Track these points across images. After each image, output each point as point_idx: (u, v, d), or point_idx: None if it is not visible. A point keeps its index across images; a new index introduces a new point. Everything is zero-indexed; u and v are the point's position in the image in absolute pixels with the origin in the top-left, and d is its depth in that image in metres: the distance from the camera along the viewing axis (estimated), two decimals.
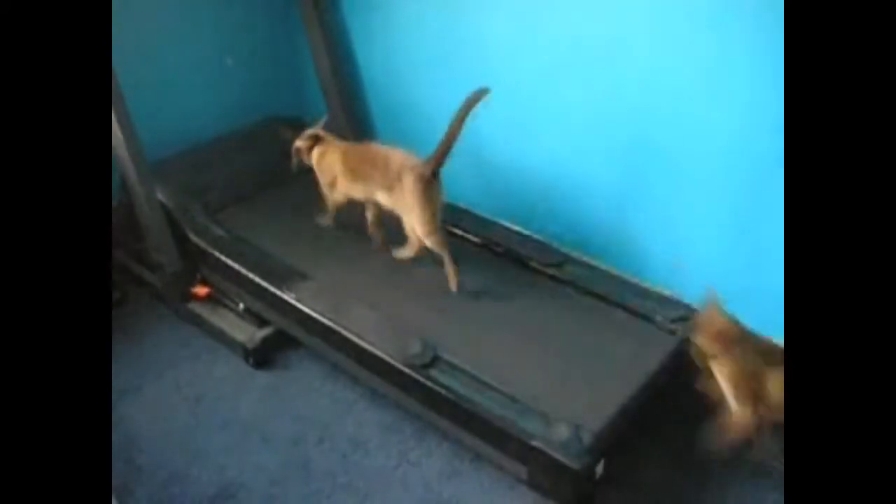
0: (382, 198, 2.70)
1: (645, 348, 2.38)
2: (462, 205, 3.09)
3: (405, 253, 2.74)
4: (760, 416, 2.13)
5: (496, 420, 2.15)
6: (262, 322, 2.76)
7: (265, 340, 2.73)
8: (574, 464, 2.01)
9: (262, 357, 2.72)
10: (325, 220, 2.97)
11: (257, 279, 2.68)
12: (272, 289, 2.63)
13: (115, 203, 2.93)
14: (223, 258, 2.77)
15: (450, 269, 2.64)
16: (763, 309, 2.35)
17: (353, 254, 2.86)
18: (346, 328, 2.46)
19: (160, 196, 2.85)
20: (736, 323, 2.18)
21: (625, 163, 2.70)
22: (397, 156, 2.65)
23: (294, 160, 2.92)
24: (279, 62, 3.59)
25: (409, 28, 3.17)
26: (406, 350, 2.34)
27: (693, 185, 2.55)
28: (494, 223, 3.00)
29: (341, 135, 3.38)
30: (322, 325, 2.50)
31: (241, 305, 2.79)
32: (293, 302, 2.57)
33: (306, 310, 2.54)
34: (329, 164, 2.86)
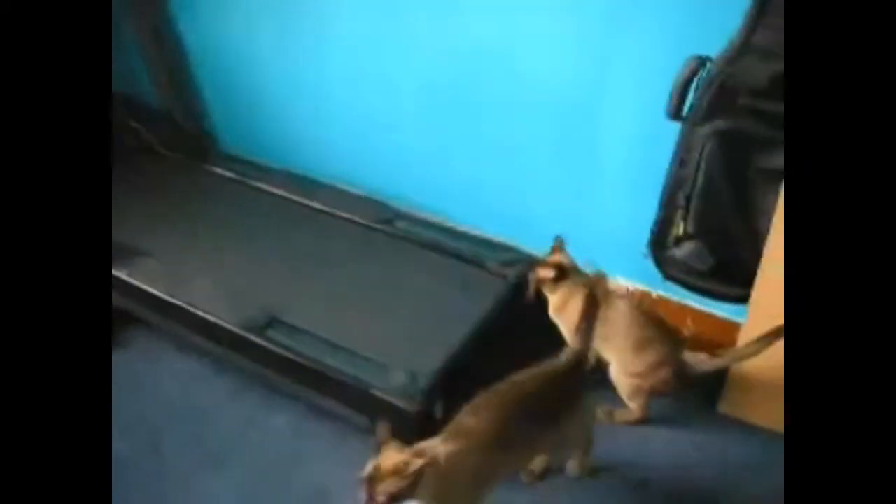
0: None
1: (477, 293, 2.47)
2: (295, 169, 3.12)
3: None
4: None
5: (336, 374, 2.20)
6: None
7: None
8: (411, 407, 2.09)
9: None
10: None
11: None
12: None
13: None
14: None
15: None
16: (598, 250, 2.47)
17: (186, 226, 2.85)
18: (182, 300, 2.45)
19: None
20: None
21: (438, 118, 2.76)
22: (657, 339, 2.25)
23: (530, 292, 2.34)
24: None
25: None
26: (243, 314, 2.36)
27: (524, 132, 2.62)
28: (327, 185, 3.04)
29: (173, 113, 3.35)
30: (159, 299, 2.48)
31: None
32: (128, 279, 2.54)
33: (142, 286, 2.51)
34: (573, 312, 2.18)
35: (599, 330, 2.19)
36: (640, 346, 2.23)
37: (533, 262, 2.39)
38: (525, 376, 1.94)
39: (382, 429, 1.74)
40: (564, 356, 1.97)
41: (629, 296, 2.39)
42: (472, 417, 1.85)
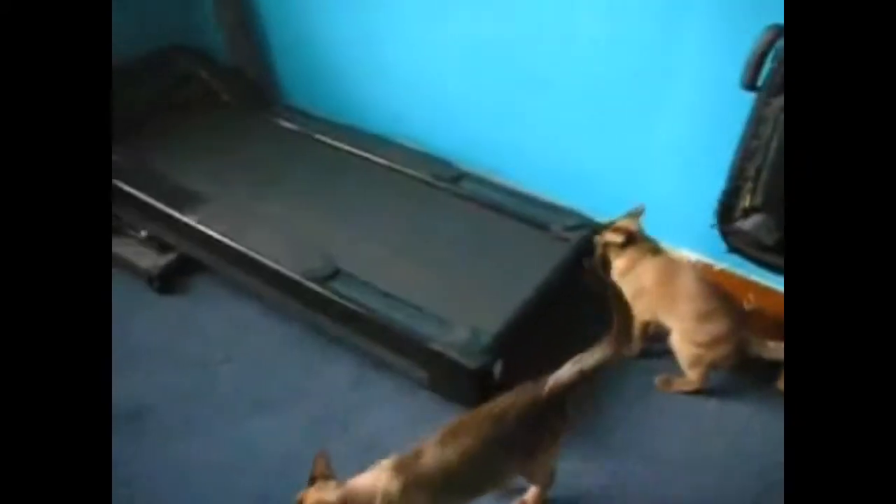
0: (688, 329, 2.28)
1: (540, 256, 2.47)
2: (362, 125, 3.14)
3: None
4: None
5: (397, 327, 2.23)
6: (164, 248, 2.76)
7: (169, 266, 2.73)
8: (472, 364, 2.10)
9: (167, 282, 2.73)
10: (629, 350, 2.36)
11: (158, 205, 2.67)
12: (173, 213, 2.64)
13: None
14: (122, 186, 2.73)
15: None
16: (663, 219, 2.46)
17: (252, 175, 2.88)
18: (247, 247, 2.49)
19: None
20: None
21: (507, 80, 2.75)
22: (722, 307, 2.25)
23: (595, 259, 2.40)
24: None
25: None
26: (308, 264, 2.39)
27: (589, 97, 2.60)
28: (393, 142, 3.04)
29: (241, 66, 3.38)
30: (224, 245, 2.53)
31: (143, 233, 2.78)
32: (194, 225, 2.59)
33: (207, 231, 2.56)
34: (639, 277, 2.32)
35: (665, 295, 2.23)
36: (706, 316, 2.23)
37: (599, 227, 2.41)
38: (500, 405, 1.78)
39: (320, 459, 1.68)
40: (546, 385, 1.80)
41: (696, 266, 2.38)
42: (433, 451, 1.70)
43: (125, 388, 2.36)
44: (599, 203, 2.62)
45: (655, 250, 2.36)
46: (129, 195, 2.73)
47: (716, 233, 2.26)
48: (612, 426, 2.27)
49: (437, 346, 2.15)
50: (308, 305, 2.41)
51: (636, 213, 2.33)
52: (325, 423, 2.28)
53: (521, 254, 2.50)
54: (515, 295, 2.31)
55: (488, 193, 2.74)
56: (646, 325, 2.38)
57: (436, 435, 1.74)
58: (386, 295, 2.31)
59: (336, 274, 2.36)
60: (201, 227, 2.57)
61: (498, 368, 2.15)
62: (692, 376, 2.33)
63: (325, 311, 2.37)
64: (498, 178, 2.85)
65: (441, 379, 2.21)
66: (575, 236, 2.52)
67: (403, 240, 2.57)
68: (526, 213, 2.64)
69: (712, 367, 2.30)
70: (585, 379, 1.79)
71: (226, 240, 2.52)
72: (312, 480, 1.67)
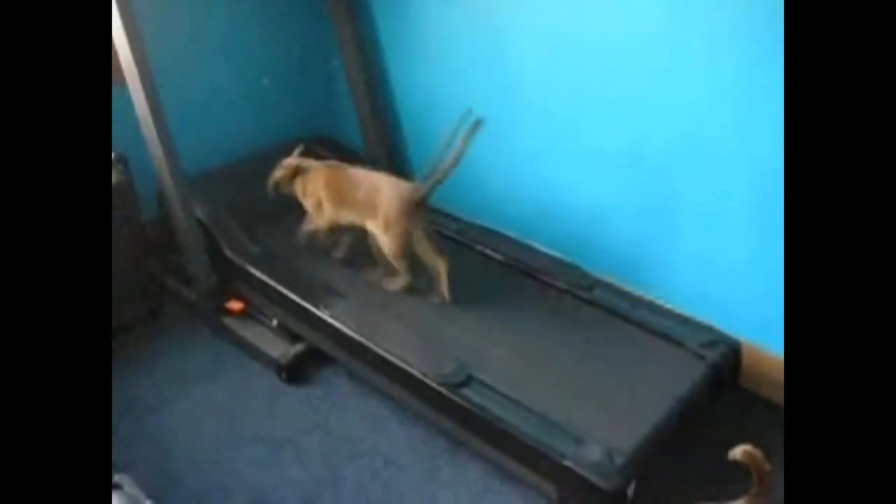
0: (369, 224, 2.74)
1: (675, 372, 2.40)
2: (493, 226, 3.14)
3: (395, 284, 2.80)
4: None
5: (528, 440, 2.17)
6: (295, 338, 2.80)
7: (298, 356, 2.76)
8: (606, 485, 2.03)
9: (295, 373, 2.75)
10: (305, 237, 2.96)
11: (291, 295, 2.72)
12: (306, 305, 2.68)
13: (152, 217, 3.01)
14: (258, 274, 2.81)
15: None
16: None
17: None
18: (379, 346, 2.49)
19: (197, 211, 2.91)
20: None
21: (650, 186, 2.73)
22: (382, 181, 2.75)
23: (270, 189, 2.88)
24: (315, 83, 3.66)
25: (447, 51, 3.23)
26: (440, 369, 2.38)
27: (718, 208, 2.58)
28: (525, 246, 3.02)
29: (371, 158, 3.44)
30: (356, 342, 2.54)
31: (275, 321, 2.83)
32: (327, 319, 2.61)
33: (340, 327, 2.58)
34: (313, 190, 2.85)
35: (338, 198, 2.81)
36: (375, 202, 2.70)
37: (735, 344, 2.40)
38: None
39: None
40: None
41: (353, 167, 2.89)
42: None
43: (248, 478, 2.39)
44: (733, 319, 2.57)
45: (315, 167, 2.88)
46: (263, 283, 2.80)
47: None
48: None
49: (569, 463, 2.09)
50: (438, 409, 2.39)
51: (298, 151, 2.94)
52: None
53: (655, 369, 2.43)
54: (650, 413, 2.24)
55: (621, 303, 2.69)
56: (334, 224, 2.88)
57: None
58: (518, 405, 2.27)
59: (469, 380, 2.34)
60: (334, 322, 2.59)
61: (631, 490, 2.08)
62: (399, 267, 2.74)
63: (456, 416, 2.34)
64: (630, 288, 2.81)
65: (571, 497, 2.14)
66: (712, 354, 2.44)
67: (537, 349, 2.54)
68: (659, 326, 2.58)
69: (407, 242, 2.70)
70: None
71: (358, 337, 2.54)
72: None
